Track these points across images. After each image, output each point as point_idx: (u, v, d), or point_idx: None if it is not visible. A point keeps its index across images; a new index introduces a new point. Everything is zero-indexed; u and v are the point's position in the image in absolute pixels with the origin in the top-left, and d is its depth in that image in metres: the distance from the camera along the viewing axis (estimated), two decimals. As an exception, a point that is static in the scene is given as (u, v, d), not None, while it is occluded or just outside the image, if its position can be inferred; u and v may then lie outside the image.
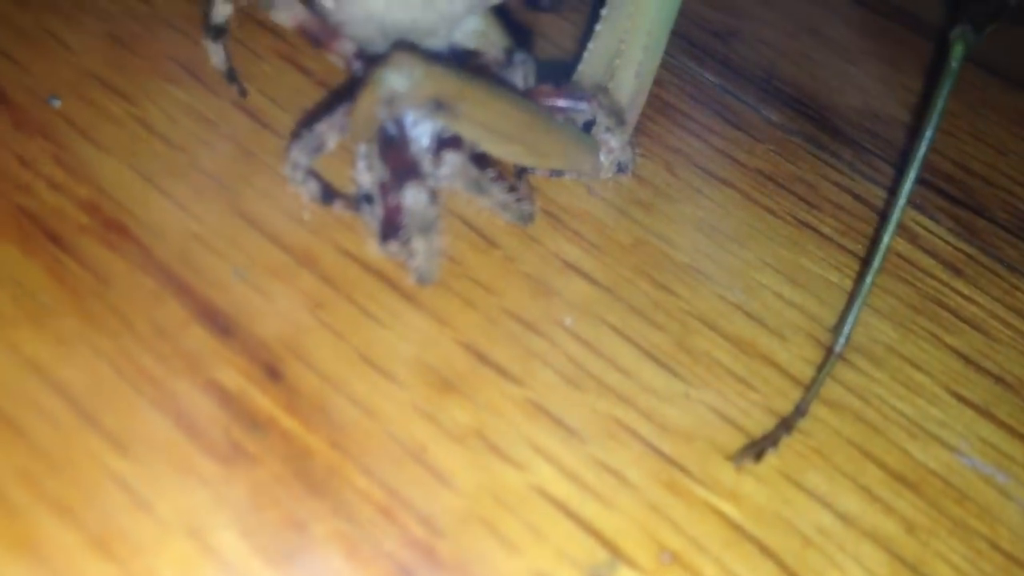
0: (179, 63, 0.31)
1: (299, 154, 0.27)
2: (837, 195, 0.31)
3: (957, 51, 0.26)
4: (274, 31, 0.32)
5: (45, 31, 0.31)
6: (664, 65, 0.30)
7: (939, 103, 0.25)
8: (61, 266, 0.26)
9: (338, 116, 0.27)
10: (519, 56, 0.28)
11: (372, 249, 0.26)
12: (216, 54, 0.29)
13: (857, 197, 0.31)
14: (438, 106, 0.23)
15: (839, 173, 0.32)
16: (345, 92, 0.27)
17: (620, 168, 0.29)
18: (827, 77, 0.35)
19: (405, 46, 0.25)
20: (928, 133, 0.26)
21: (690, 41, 0.35)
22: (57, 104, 0.29)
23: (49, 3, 0.32)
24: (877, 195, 0.31)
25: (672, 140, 0.32)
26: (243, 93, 0.30)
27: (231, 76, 0.30)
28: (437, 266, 0.25)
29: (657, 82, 0.30)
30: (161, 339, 0.25)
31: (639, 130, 0.31)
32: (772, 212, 0.31)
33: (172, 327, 0.25)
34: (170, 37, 0.32)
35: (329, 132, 0.27)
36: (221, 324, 0.25)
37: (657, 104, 0.32)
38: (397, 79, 0.22)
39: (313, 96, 0.31)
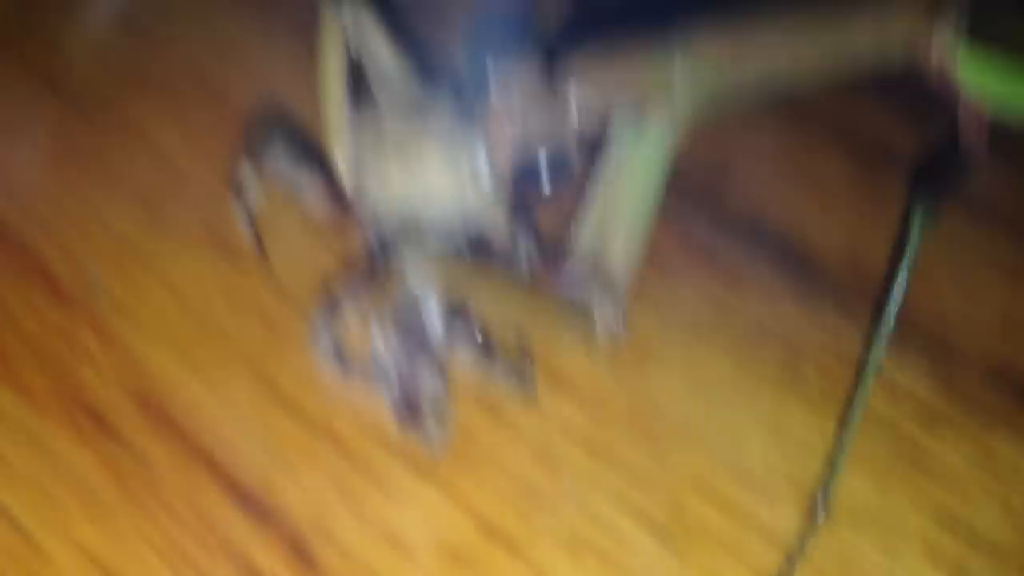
0: (208, 228, 0.33)
1: (322, 324, 0.29)
2: (822, 342, 0.34)
3: (917, 222, 0.28)
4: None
5: (85, 203, 0.34)
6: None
7: (902, 272, 0.28)
8: (108, 451, 0.29)
9: (358, 292, 0.29)
10: (521, 237, 0.30)
11: (388, 422, 0.29)
12: (242, 219, 0.32)
13: (840, 344, 0.33)
14: (450, 296, 0.26)
15: (823, 318, 0.34)
16: (365, 269, 0.30)
17: (613, 335, 0.31)
18: (812, 220, 0.37)
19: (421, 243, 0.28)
20: (893, 302, 0.28)
21: (679, 191, 0.37)
22: (97, 279, 0.32)
23: (83, 169, 0.34)
24: (860, 345, 0.34)
25: (663, 295, 0.34)
26: (263, 255, 0.33)
27: (255, 240, 0.32)
28: (447, 441, 0.28)
29: (649, 233, 0.32)
30: (201, 524, 0.28)
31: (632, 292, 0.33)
32: (760, 367, 0.33)
33: (211, 511, 0.28)
34: (196, 198, 0.34)
35: (350, 306, 0.30)
36: (255, 506, 0.28)
37: (649, 259, 0.34)
38: (414, 277, 0.25)
39: (334, 264, 0.33)
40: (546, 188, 0.29)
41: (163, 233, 0.33)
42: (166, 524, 0.27)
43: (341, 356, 0.30)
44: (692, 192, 0.37)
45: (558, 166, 0.29)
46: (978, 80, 0.31)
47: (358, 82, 0.31)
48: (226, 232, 0.33)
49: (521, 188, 0.29)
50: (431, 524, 0.28)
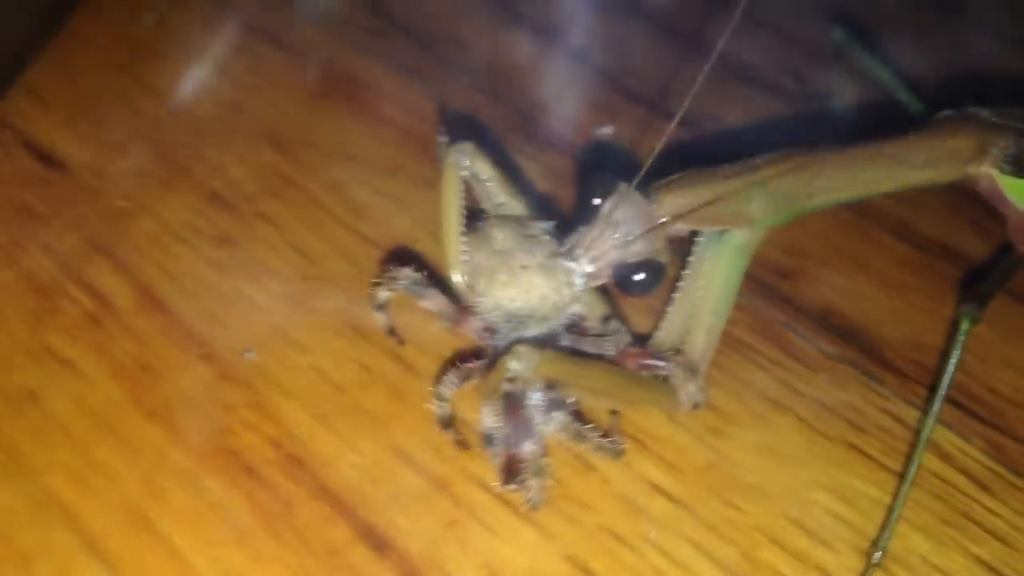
0: (344, 319, 0.39)
1: (447, 383, 0.34)
2: (882, 419, 0.37)
3: (964, 327, 0.32)
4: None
5: (239, 293, 0.40)
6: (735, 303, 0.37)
7: (950, 366, 0.32)
8: (256, 494, 0.34)
9: (479, 365, 0.34)
10: (613, 325, 0.35)
11: (495, 485, 0.34)
12: (380, 320, 0.37)
13: (899, 421, 0.37)
14: (550, 383, 0.31)
15: (884, 399, 0.38)
16: (478, 355, 0.35)
17: (695, 405, 0.35)
18: (874, 311, 0.41)
19: (525, 339, 0.34)
20: (944, 385, 0.32)
21: (758, 281, 0.41)
22: (252, 356, 0.38)
23: (241, 269, 0.41)
24: (916, 418, 0.37)
25: (741, 372, 0.38)
26: (401, 343, 0.38)
27: (392, 333, 0.38)
28: (546, 497, 0.32)
29: (729, 320, 0.37)
30: (333, 556, 0.32)
31: (712, 365, 0.37)
32: (825, 436, 0.37)
33: (341, 546, 0.33)
34: (334, 295, 0.40)
35: (471, 373, 0.35)
36: (378, 542, 0.33)
37: (729, 340, 0.39)
38: (518, 367, 0.30)
39: (450, 344, 0.38)
40: (639, 292, 0.34)
41: (308, 324, 0.39)
42: (301, 553, 0.32)
43: (452, 423, 0.35)
44: (769, 283, 0.41)
45: (651, 274, 0.33)
46: (1021, 198, 0.35)
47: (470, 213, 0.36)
48: (361, 324, 0.39)
49: (619, 289, 0.34)
50: (528, 560, 0.33)
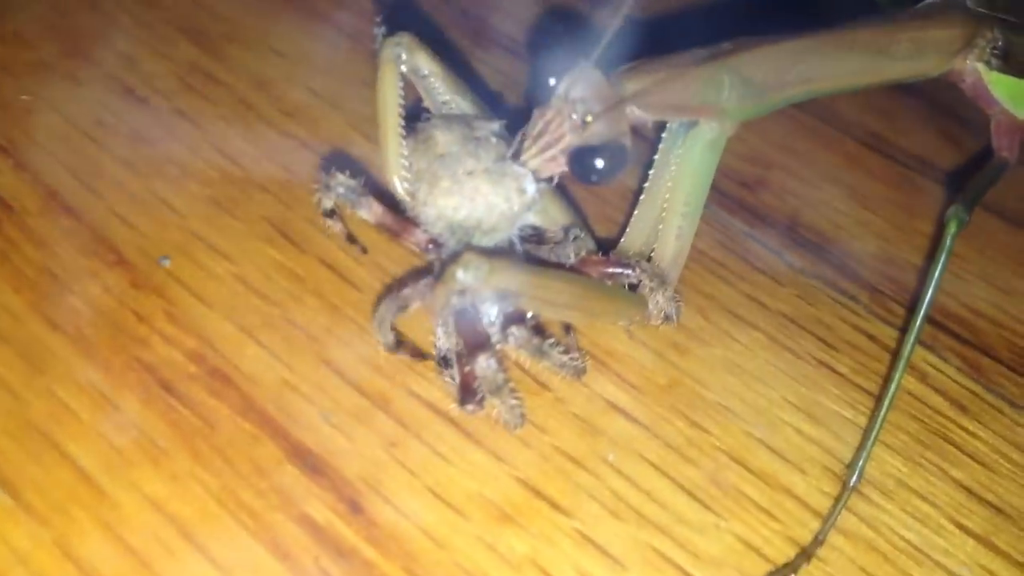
0: (272, 224, 0.35)
1: (385, 312, 0.31)
2: (854, 336, 0.35)
3: (951, 228, 0.30)
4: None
5: (154, 196, 0.36)
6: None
7: (935, 275, 0.29)
8: (174, 412, 0.30)
9: (420, 287, 0.31)
10: (573, 231, 0.32)
11: (441, 395, 0.31)
12: (333, 227, 0.33)
13: (872, 338, 0.35)
14: (503, 294, 0.28)
15: (856, 315, 0.35)
16: (423, 268, 0.31)
17: (667, 317, 0.32)
18: (846, 224, 0.38)
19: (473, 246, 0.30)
20: (926, 300, 0.29)
21: (721, 191, 0.39)
22: (167, 264, 0.34)
23: (157, 170, 0.37)
24: (891, 336, 0.35)
25: (704, 286, 0.36)
26: (363, 251, 0.34)
27: (351, 240, 0.34)
28: (520, 413, 0.29)
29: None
30: (259, 476, 0.29)
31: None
32: (794, 352, 0.34)
33: (268, 466, 0.29)
34: (263, 199, 0.36)
35: (412, 298, 0.31)
36: (310, 463, 0.29)
37: (691, 253, 0.36)
38: (466, 276, 0.27)
39: (389, 253, 0.35)
40: (600, 180, 0.31)
41: (231, 230, 0.35)
42: (226, 475, 0.29)
43: (399, 343, 0.32)
44: (732, 193, 0.38)
45: (612, 157, 0.30)
46: (1008, 97, 0.33)
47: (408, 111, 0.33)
48: (290, 229, 0.35)
49: (577, 177, 0.31)
50: (479, 484, 0.30)
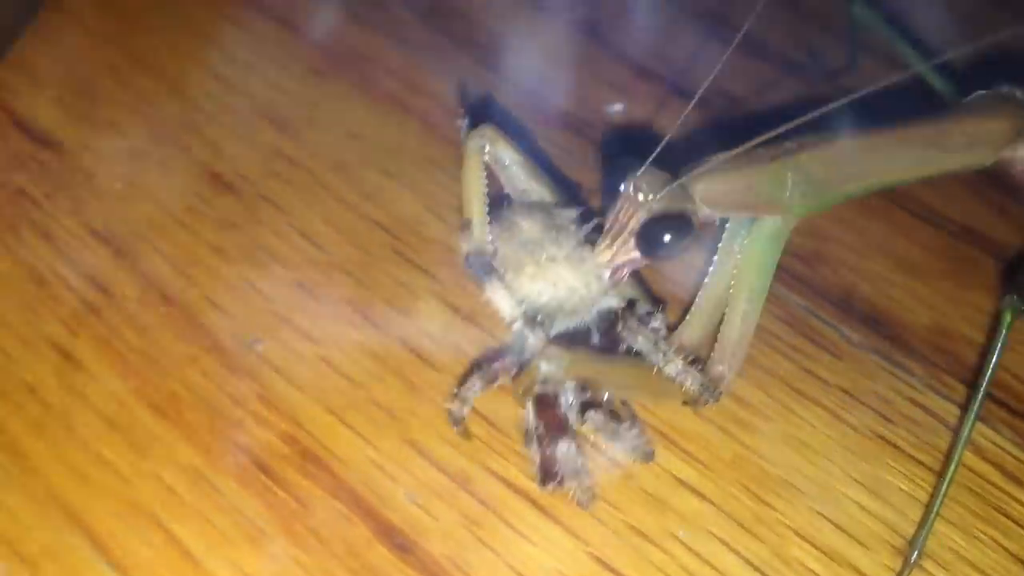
0: (352, 305, 0.38)
1: (472, 385, 0.33)
2: (910, 410, 0.36)
3: (1007, 318, 0.31)
4: (430, 274, 0.39)
5: (244, 280, 0.38)
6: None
7: (992, 361, 0.31)
8: (270, 493, 0.32)
9: (506, 363, 0.33)
10: (647, 313, 0.34)
11: (519, 472, 0.33)
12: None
13: (928, 411, 0.36)
14: (580, 382, 0.30)
15: (912, 388, 0.37)
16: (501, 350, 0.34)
17: (717, 399, 0.34)
18: (900, 296, 0.40)
19: (556, 340, 0.33)
20: (983, 385, 0.31)
21: (778, 266, 0.40)
22: (259, 347, 0.36)
23: (244, 255, 0.39)
24: (947, 409, 0.36)
25: (764, 360, 0.37)
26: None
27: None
28: (592, 495, 0.31)
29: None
30: (352, 557, 0.31)
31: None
32: (853, 427, 0.36)
33: (360, 545, 0.31)
34: (344, 281, 0.38)
35: (498, 373, 0.33)
36: (399, 542, 0.31)
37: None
38: (548, 368, 0.29)
39: (466, 335, 0.37)
40: (667, 254, 0.32)
41: (316, 313, 0.37)
42: (321, 555, 0.31)
43: (462, 421, 0.34)
44: (789, 267, 0.40)
45: (679, 231, 0.31)
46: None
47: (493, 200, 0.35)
48: (370, 311, 0.38)
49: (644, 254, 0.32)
50: (557, 561, 0.31)
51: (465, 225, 0.34)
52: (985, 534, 0.33)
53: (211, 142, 0.43)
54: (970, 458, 0.35)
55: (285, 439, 0.34)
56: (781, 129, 0.30)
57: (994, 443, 0.35)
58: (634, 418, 0.34)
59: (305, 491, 0.32)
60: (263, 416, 0.34)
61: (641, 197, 0.31)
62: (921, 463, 0.35)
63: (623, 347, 0.32)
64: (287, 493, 0.32)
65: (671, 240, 0.31)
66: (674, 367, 0.31)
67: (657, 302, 0.36)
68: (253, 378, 0.35)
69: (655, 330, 0.33)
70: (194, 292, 0.38)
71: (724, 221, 0.34)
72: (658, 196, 0.31)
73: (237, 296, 0.38)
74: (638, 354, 0.33)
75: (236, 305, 0.37)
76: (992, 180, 0.41)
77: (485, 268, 0.33)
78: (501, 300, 0.33)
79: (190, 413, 0.34)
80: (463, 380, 0.33)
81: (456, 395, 0.33)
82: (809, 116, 0.29)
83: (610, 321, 0.34)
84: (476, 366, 0.34)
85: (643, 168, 0.31)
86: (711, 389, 0.32)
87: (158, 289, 0.37)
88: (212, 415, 0.34)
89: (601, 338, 0.34)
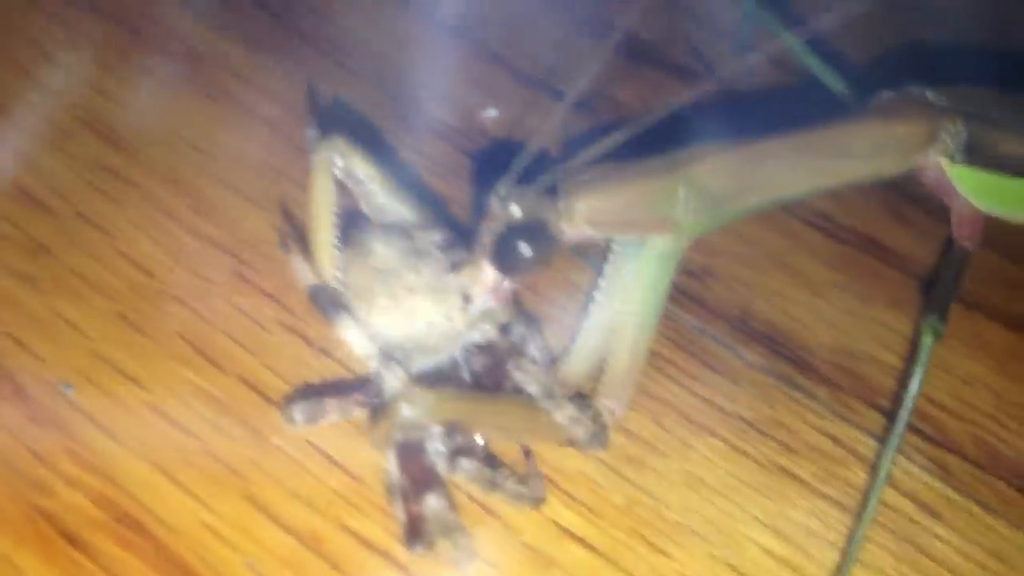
0: (187, 340, 0.33)
1: (299, 415, 0.29)
2: (815, 438, 0.33)
3: (927, 341, 0.28)
4: (278, 301, 0.34)
5: (55, 314, 0.33)
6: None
7: (912, 389, 0.28)
8: (78, 568, 0.27)
9: (348, 401, 0.29)
10: (520, 330, 0.30)
11: (377, 530, 0.28)
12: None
13: (834, 439, 0.33)
14: (448, 425, 0.25)
15: (816, 415, 0.33)
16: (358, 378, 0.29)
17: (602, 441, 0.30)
18: (800, 314, 0.37)
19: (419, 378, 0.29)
20: (903, 417, 0.28)
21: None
22: (70, 392, 0.31)
23: (58, 285, 0.34)
24: (854, 437, 0.33)
25: (657, 389, 0.34)
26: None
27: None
28: (470, 555, 0.27)
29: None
30: (178, 645, 0.26)
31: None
32: (755, 460, 0.32)
33: (188, 631, 0.26)
34: (177, 312, 0.33)
35: (334, 411, 0.29)
36: (236, 623, 0.26)
37: (641, 353, 0.34)
38: (410, 413, 0.25)
39: (315, 367, 0.32)
40: (525, 268, 0.28)
41: (142, 349, 0.32)
42: (141, 645, 0.26)
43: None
44: (679, 284, 0.36)
45: (538, 246, 0.28)
46: (972, 189, 0.31)
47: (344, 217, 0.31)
48: (206, 346, 0.32)
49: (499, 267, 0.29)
50: (424, 635, 0.27)
51: (306, 252, 0.30)
52: (909, 568, 0.30)
53: (21, 154, 0.37)
54: (886, 494, 0.32)
55: (99, 502, 0.28)
56: (649, 120, 0.27)
57: (907, 472, 0.32)
58: (528, 457, 0.30)
59: (121, 564, 0.27)
60: (73, 476, 0.29)
61: (500, 208, 0.27)
62: (830, 498, 0.31)
63: (506, 385, 0.28)
64: (99, 567, 0.27)
65: (530, 253, 0.27)
66: (564, 413, 0.27)
67: (531, 320, 0.32)
68: (62, 430, 0.30)
69: (546, 371, 0.29)
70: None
71: (609, 241, 0.30)
72: (518, 205, 0.27)
73: (47, 333, 0.32)
74: (516, 391, 0.29)
75: (45, 344, 0.32)
76: (893, 188, 0.38)
77: (331, 302, 0.29)
78: (354, 338, 0.28)
79: (-17, 476, 0.29)
80: (290, 399, 0.29)
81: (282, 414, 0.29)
82: (678, 106, 0.26)
83: (483, 356, 0.30)
84: (312, 391, 0.29)
85: (507, 176, 0.27)
86: (600, 437, 0.28)
87: (-51, 326, 0.32)
88: (10, 475, 0.29)
89: (472, 375, 0.29)
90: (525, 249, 0.27)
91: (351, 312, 0.29)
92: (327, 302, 0.29)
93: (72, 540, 0.28)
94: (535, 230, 0.28)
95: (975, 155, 0.31)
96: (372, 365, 0.28)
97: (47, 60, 0.41)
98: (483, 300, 0.29)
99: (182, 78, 0.41)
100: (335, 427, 0.30)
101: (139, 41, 0.42)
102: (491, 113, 0.42)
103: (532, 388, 0.28)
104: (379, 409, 0.28)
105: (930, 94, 0.31)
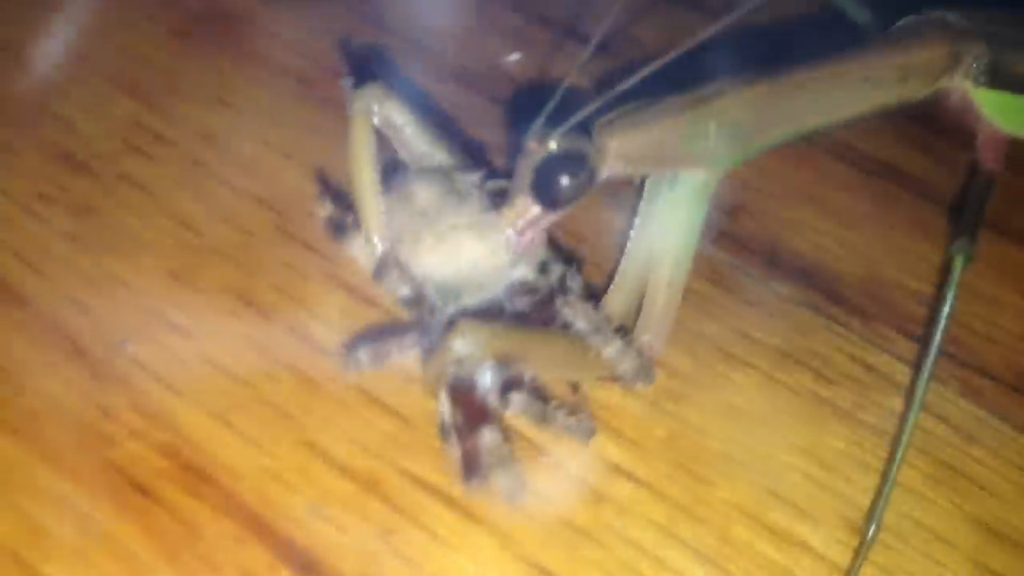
0: (235, 293, 0.33)
1: (364, 357, 0.30)
2: (850, 367, 0.34)
3: (957, 264, 0.29)
4: (320, 253, 0.35)
5: (107, 273, 0.34)
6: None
7: (943, 315, 0.28)
8: (151, 517, 0.28)
9: (405, 341, 0.30)
10: (559, 269, 0.31)
11: (435, 472, 0.29)
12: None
13: (869, 368, 0.34)
14: (500, 359, 0.26)
15: (851, 344, 0.34)
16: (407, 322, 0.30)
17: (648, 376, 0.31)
18: (830, 246, 0.37)
19: (469, 314, 0.29)
20: (936, 340, 0.28)
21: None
22: (128, 348, 0.32)
23: (106, 244, 0.34)
24: (889, 364, 0.34)
25: (692, 324, 0.34)
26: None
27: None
28: (523, 488, 0.28)
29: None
30: (249, 582, 0.27)
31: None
32: (792, 390, 0.33)
33: (258, 570, 0.27)
34: (223, 267, 0.34)
35: (390, 353, 0.30)
36: (303, 562, 0.28)
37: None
38: (463, 347, 0.25)
39: (363, 316, 0.33)
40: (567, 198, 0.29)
41: (191, 304, 0.33)
42: (215, 585, 0.27)
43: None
44: (711, 221, 0.37)
45: (577, 178, 0.29)
46: (995, 111, 0.32)
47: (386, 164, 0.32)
48: (253, 296, 0.33)
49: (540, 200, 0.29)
50: (484, 569, 0.28)
51: (322, 192, 0.30)
52: (943, 497, 0.31)
53: (61, 119, 0.38)
54: (920, 421, 0.32)
55: (164, 452, 0.29)
56: (670, 56, 0.27)
57: (943, 397, 0.33)
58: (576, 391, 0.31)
59: (190, 511, 0.28)
60: (137, 427, 0.30)
61: (537, 143, 0.28)
62: (868, 424, 0.32)
63: (552, 323, 0.29)
64: (170, 515, 0.28)
65: (568, 183, 0.28)
66: (614, 348, 0.28)
67: (569, 261, 0.33)
68: (123, 384, 0.31)
69: (595, 307, 0.30)
70: (49, 290, 0.33)
71: (643, 179, 0.31)
72: (554, 137, 0.27)
73: (100, 291, 0.33)
74: (563, 327, 0.30)
75: (99, 302, 0.33)
76: (916, 118, 0.39)
77: (397, 276, 0.30)
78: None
79: (51, 431, 0.30)
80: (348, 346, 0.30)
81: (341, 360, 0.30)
82: (699, 39, 0.27)
83: (527, 294, 0.30)
84: (368, 334, 0.30)
85: (542, 115, 0.28)
86: (647, 372, 0.29)
87: (7, 290, 0.33)
88: (78, 431, 0.30)
89: (517, 315, 0.30)
90: (564, 179, 0.28)
91: (414, 281, 0.29)
92: (393, 280, 0.30)
93: (142, 490, 0.29)
94: (573, 161, 0.28)
95: (998, 77, 0.31)
96: (425, 305, 0.29)
97: (73, 24, 0.41)
98: (526, 235, 0.29)
99: (210, 36, 0.42)
100: (381, 374, 0.31)
101: (168, 2, 0.43)
102: (514, 57, 0.42)
103: (581, 324, 0.29)
104: (433, 348, 0.28)
105: (952, 18, 0.31)
